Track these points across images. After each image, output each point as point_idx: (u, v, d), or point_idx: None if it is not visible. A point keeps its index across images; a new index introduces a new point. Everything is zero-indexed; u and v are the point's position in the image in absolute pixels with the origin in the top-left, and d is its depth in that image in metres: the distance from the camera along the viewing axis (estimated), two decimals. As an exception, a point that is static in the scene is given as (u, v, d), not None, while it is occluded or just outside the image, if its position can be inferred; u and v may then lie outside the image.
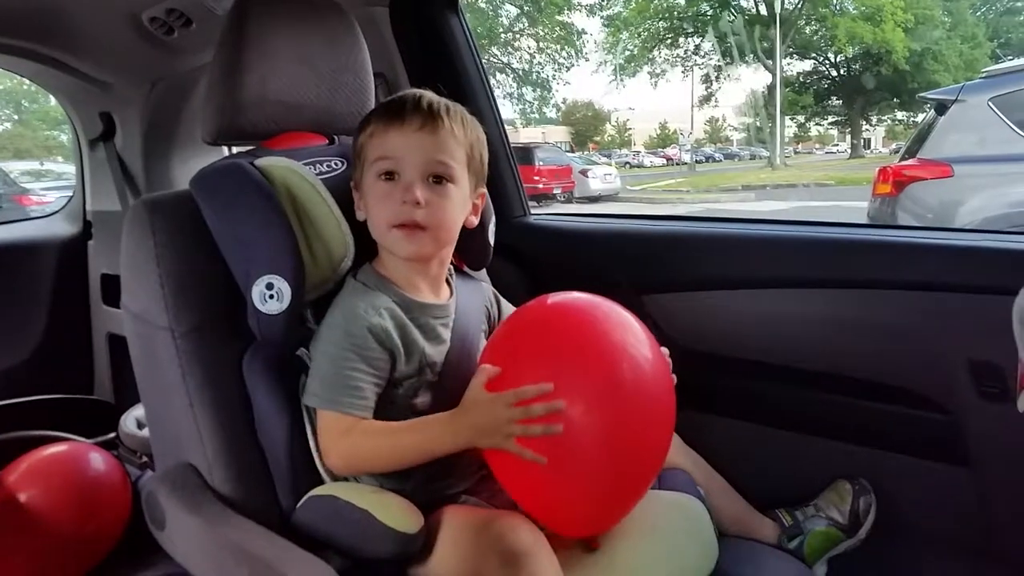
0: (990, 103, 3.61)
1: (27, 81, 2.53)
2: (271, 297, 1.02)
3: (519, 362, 1.00)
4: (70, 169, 2.63)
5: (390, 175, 1.05)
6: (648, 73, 21.26)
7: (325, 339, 1.05)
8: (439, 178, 1.06)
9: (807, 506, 1.36)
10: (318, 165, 1.17)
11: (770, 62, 18.08)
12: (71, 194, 2.63)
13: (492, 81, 1.93)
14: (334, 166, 1.19)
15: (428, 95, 1.08)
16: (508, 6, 20.00)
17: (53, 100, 2.49)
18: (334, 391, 1.01)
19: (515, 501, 1.01)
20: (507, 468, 1.00)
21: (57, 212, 2.69)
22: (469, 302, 1.20)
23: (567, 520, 1.00)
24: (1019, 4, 19.30)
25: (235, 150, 1.37)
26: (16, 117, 19.84)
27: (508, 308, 1.30)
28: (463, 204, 1.11)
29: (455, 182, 1.08)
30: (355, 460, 1.03)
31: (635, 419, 0.96)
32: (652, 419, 0.99)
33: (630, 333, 1.01)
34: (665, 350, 1.05)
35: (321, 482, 1.05)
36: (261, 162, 1.10)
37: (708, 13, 19.55)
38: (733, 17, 18.84)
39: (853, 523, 1.34)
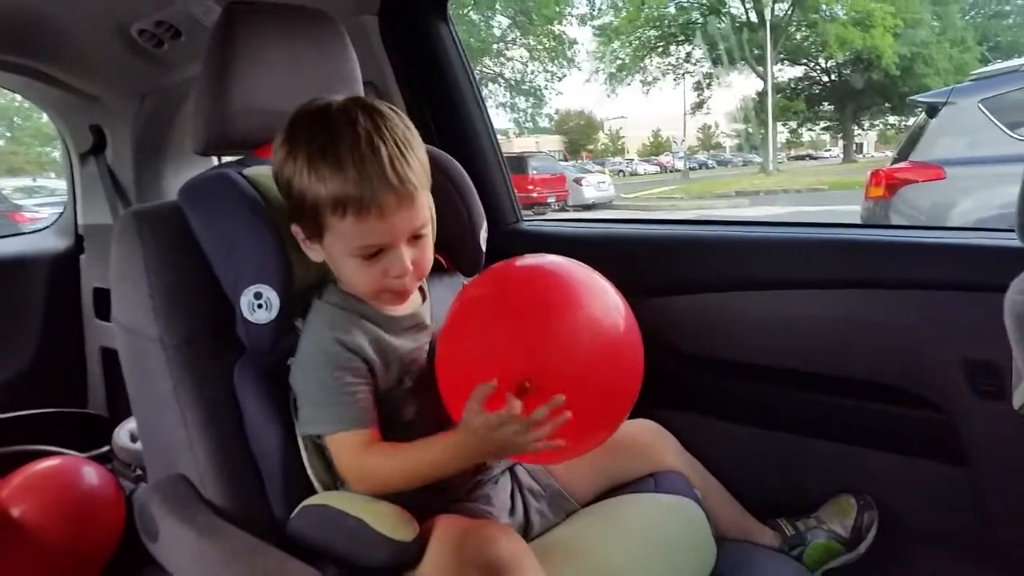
0: (980, 105, 3.63)
1: (19, 98, 2.54)
2: (260, 307, 1.01)
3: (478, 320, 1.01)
4: (63, 185, 2.63)
5: (372, 254, 0.98)
6: (640, 81, 21.37)
7: (306, 366, 1.03)
8: (419, 235, 1.01)
9: (809, 517, 1.35)
10: None
11: (761, 68, 18.17)
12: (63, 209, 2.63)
13: (485, 91, 1.93)
14: None
15: (381, 147, 0.93)
16: (500, 17, 20.11)
17: (46, 117, 2.48)
18: (336, 411, 1.00)
19: None
20: None
21: (49, 227, 2.68)
22: (444, 303, 1.18)
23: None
24: (1007, 8, 19.43)
25: (225, 160, 1.37)
26: (8, 134, 19.81)
27: None
28: (432, 229, 1.07)
29: (428, 224, 1.02)
30: (375, 482, 1.00)
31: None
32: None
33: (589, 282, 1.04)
34: None
35: (314, 491, 1.04)
36: (250, 171, 1.10)
37: (698, 21, 19.62)
38: (721, 23, 18.92)
39: (855, 538, 1.32)
